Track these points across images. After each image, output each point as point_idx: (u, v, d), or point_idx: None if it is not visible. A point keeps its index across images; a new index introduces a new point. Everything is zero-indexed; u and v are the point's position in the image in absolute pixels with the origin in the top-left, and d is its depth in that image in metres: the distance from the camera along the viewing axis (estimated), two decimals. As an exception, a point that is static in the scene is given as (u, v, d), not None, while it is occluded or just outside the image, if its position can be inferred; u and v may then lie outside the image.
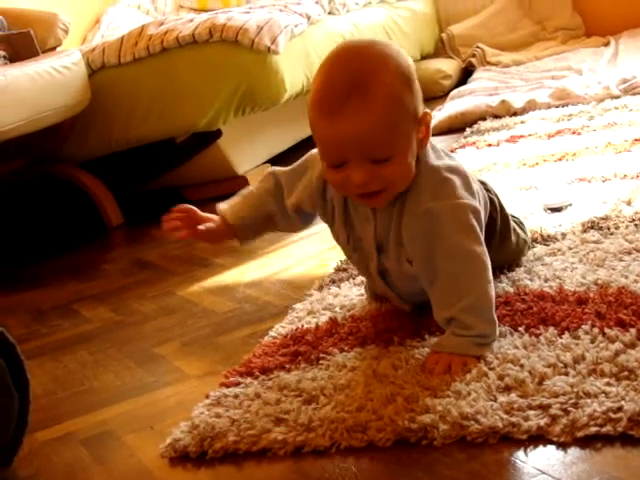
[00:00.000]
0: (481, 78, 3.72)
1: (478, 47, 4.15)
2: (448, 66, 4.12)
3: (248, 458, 1.09)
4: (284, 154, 3.12)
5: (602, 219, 1.64)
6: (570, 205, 1.80)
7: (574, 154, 2.24)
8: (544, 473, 0.91)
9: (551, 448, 0.96)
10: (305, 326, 1.44)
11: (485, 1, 4.48)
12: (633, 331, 1.14)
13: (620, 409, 0.97)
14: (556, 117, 2.79)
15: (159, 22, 2.97)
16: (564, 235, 1.61)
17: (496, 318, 1.21)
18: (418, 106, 1.21)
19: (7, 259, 2.79)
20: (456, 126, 3.05)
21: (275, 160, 3.09)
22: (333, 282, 1.64)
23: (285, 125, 3.13)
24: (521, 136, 2.63)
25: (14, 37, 2.81)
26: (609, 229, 1.58)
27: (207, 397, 1.25)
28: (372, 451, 1.04)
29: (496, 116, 3.01)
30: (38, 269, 2.54)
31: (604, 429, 0.95)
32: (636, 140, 2.21)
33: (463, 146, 2.68)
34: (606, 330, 1.16)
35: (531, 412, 1.01)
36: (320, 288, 1.63)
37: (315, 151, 1.34)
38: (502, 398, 1.05)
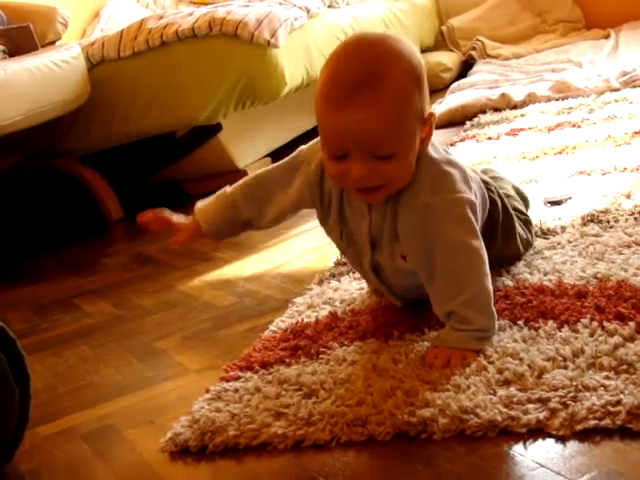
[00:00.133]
0: (481, 71, 3.72)
1: (478, 40, 4.15)
2: (448, 59, 4.11)
3: (248, 452, 1.09)
4: (284, 147, 3.12)
5: (602, 212, 1.64)
6: (570, 198, 1.80)
7: (574, 147, 2.24)
8: (543, 466, 0.92)
9: (550, 441, 0.96)
10: (305, 320, 1.44)
11: (485, -7, 4.48)
12: (632, 324, 1.14)
13: (619, 402, 0.97)
14: (556, 110, 2.79)
15: (158, 16, 2.97)
16: (564, 228, 1.61)
17: (495, 312, 1.21)
18: (425, 105, 1.20)
19: (7, 254, 2.79)
20: (456, 119, 3.05)
21: (275, 153, 3.09)
22: (333, 276, 1.64)
23: (285, 119, 3.13)
24: (521, 129, 2.63)
25: (13, 31, 2.81)
26: (609, 222, 1.59)
27: (207, 391, 1.26)
28: (372, 445, 1.04)
29: (496, 109, 3.02)
30: (38, 264, 2.55)
31: (603, 422, 0.95)
32: (636, 133, 2.21)
33: (463, 139, 2.68)
34: (605, 324, 1.17)
35: (530, 406, 1.01)
36: (320, 282, 1.63)
37: (305, 147, 1.34)
38: (501, 392, 1.05)
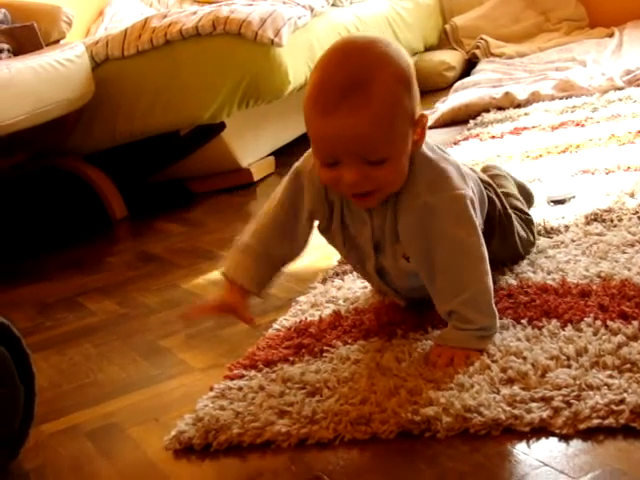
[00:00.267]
0: (485, 70, 3.72)
1: (482, 38, 4.15)
2: (452, 58, 4.11)
3: (252, 450, 1.10)
4: (288, 146, 3.12)
5: (605, 211, 1.64)
6: (573, 197, 1.80)
7: (577, 146, 2.24)
8: (546, 465, 0.92)
9: (553, 440, 0.96)
10: (309, 319, 1.44)
11: (488, -8, 4.48)
12: (636, 323, 1.14)
13: (622, 401, 0.97)
14: (560, 109, 2.79)
15: (162, 15, 2.97)
16: (567, 227, 1.61)
17: (496, 310, 1.21)
18: (415, 108, 1.18)
19: (12, 253, 2.79)
20: (460, 118, 3.05)
21: (279, 152, 3.09)
22: (337, 275, 1.64)
23: (289, 117, 3.13)
24: (525, 128, 2.63)
25: (18, 30, 2.82)
26: (612, 221, 1.58)
27: (211, 390, 1.26)
28: (375, 443, 1.04)
29: (500, 108, 3.01)
30: (42, 262, 2.55)
31: (606, 421, 0.95)
32: (640, 132, 2.21)
33: (466, 138, 2.68)
34: (609, 323, 1.17)
35: (534, 404, 1.01)
36: (324, 281, 1.63)
37: (299, 163, 1.30)
38: (505, 390, 1.06)
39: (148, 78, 2.84)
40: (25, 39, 2.79)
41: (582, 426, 0.96)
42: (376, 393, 1.12)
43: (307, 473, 1.02)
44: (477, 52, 4.14)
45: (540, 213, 1.71)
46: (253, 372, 1.29)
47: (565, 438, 0.96)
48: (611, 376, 1.03)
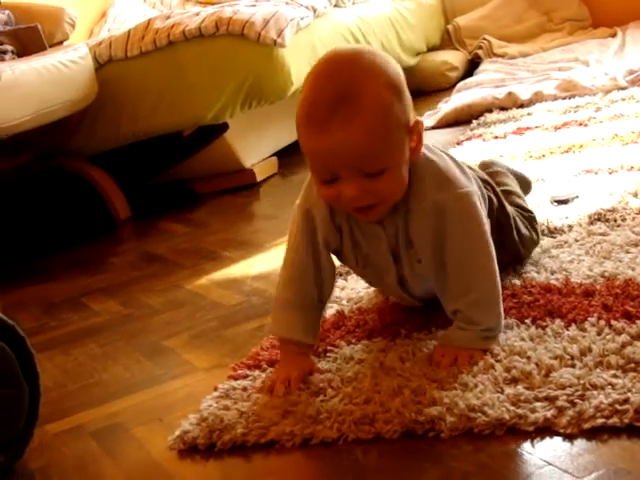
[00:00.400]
0: (487, 70, 3.72)
1: (484, 39, 4.15)
2: (454, 58, 4.11)
3: (256, 450, 1.10)
4: (291, 147, 3.13)
5: (609, 211, 1.64)
6: (577, 197, 1.80)
7: (581, 146, 2.24)
8: (550, 464, 0.92)
9: (558, 440, 0.96)
10: (312, 319, 1.44)
11: (491, -8, 4.48)
12: (639, 323, 1.14)
13: (626, 401, 0.97)
14: (563, 109, 2.79)
15: (165, 16, 2.97)
16: (571, 227, 1.61)
17: (502, 310, 1.21)
18: (409, 115, 1.17)
19: (16, 253, 2.80)
20: (462, 118, 3.05)
21: (282, 153, 3.10)
22: (340, 275, 1.64)
23: (292, 118, 3.09)
24: (527, 128, 2.63)
25: (22, 32, 2.82)
26: (616, 221, 1.58)
27: (215, 390, 1.26)
28: (379, 443, 1.04)
29: (502, 108, 3.01)
30: (47, 263, 2.56)
31: (610, 421, 0.95)
32: (643, 132, 2.21)
33: (469, 138, 2.68)
34: (613, 322, 1.17)
35: (538, 404, 1.01)
36: (327, 281, 1.63)
37: (300, 201, 1.28)
38: (509, 390, 1.06)
39: (151, 79, 2.85)
40: (29, 40, 2.79)
41: (586, 425, 0.96)
42: (380, 393, 1.12)
43: (311, 473, 1.02)
44: (480, 52, 4.13)
45: (543, 213, 1.71)
46: (257, 372, 1.29)
47: (569, 437, 0.96)
48: (615, 376, 1.03)
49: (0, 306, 2.05)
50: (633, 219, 1.57)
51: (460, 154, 2.33)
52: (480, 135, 2.68)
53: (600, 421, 0.96)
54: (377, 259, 1.28)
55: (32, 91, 2.41)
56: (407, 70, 3.87)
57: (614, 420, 0.95)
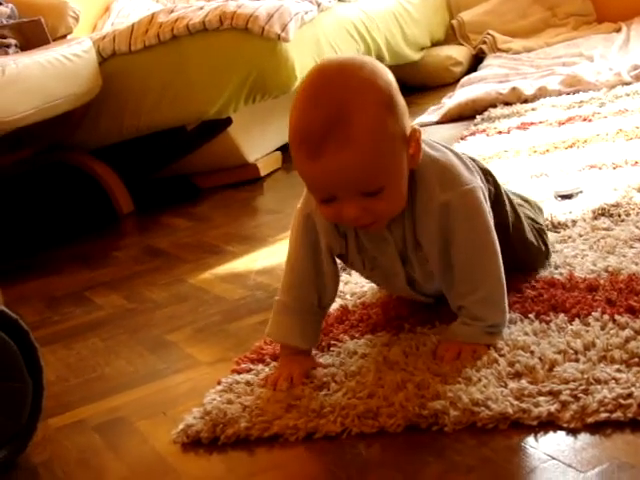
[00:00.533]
0: (491, 65, 3.71)
1: (489, 34, 4.14)
2: (458, 53, 4.11)
3: (260, 444, 1.10)
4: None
5: (613, 206, 1.64)
6: (581, 192, 1.80)
7: (585, 141, 2.24)
8: (554, 459, 0.92)
9: (561, 434, 0.96)
10: (316, 313, 1.44)
11: (495, -13, 4.47)
12: (643, 318, 1.14)
13: (630, 395, 0.97)
14: (567, 104, 2.78)
15: (169, 10, 2.97)
16: (574, 222, 1.61)
17: (507, 306, 1.20)
18: (404, 124, 1.13)
19: (19, 248, 2.80)
20: (466, 113, 3.04)
21: (285, 148, 3.09)
22: (344, 269, 1.63)
23: (295, 113, 3.12)
24: (532, 123, 2.63)
25: (25, 25, 2.82)
26: (620, 216, 1.58)
27: (219, 383, 1.26)
28: (383, 437, 1.04)
29: (507, 103, 3.01)
30: (50, 257, 2.56)
31: (614, 415, 0.95)
32: (647, 127, 2.21)
33: (473, 133, 2.67)
34: (616, 317, 1.16)
35: (541, 398, 1.01)
36: (331, 275, 1.63)
37: (301, 205, 1.27)
38: (512, 384, 1.06)
39: (155, 73, 2.84)
40: (32, 34, 2.79)
41: (590, 420, 0.96)
42: (383, 387, 1.12)
43: (315, 466, 1.02)
44: (484, 47, 4.13)
45: (548, 208, 1.71)
46: (260, 366, 1.29)
47: (573, 432, 0.95)
48: (619, 370, 1.03)
49: (3, 300, 2.05)
50: (637, 214, 1.57)
51: (464, 149, 2.32)
52: (484, 130, 2.67)
53: (604, 415, 0.96)
54: (385, 262, 1.27)
55: (35, 85, 2.41)
56: (411, 65, 3.92)
57: (618, 414, 0.95)
